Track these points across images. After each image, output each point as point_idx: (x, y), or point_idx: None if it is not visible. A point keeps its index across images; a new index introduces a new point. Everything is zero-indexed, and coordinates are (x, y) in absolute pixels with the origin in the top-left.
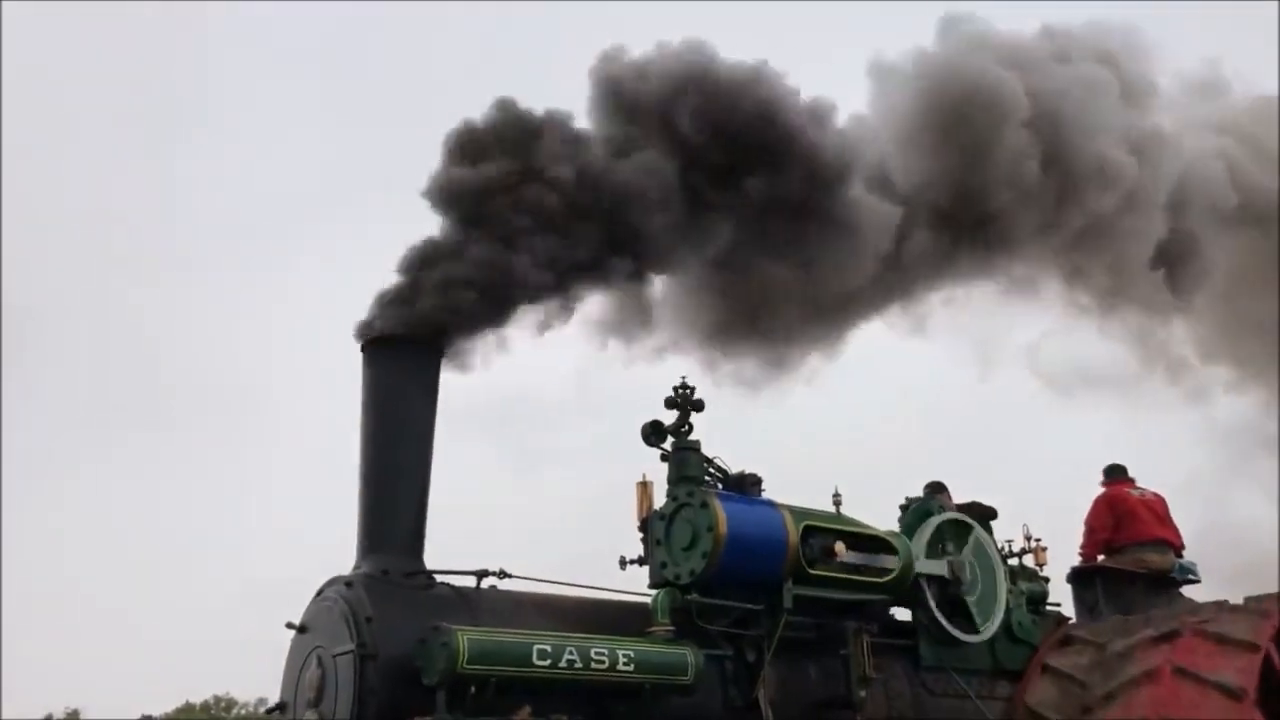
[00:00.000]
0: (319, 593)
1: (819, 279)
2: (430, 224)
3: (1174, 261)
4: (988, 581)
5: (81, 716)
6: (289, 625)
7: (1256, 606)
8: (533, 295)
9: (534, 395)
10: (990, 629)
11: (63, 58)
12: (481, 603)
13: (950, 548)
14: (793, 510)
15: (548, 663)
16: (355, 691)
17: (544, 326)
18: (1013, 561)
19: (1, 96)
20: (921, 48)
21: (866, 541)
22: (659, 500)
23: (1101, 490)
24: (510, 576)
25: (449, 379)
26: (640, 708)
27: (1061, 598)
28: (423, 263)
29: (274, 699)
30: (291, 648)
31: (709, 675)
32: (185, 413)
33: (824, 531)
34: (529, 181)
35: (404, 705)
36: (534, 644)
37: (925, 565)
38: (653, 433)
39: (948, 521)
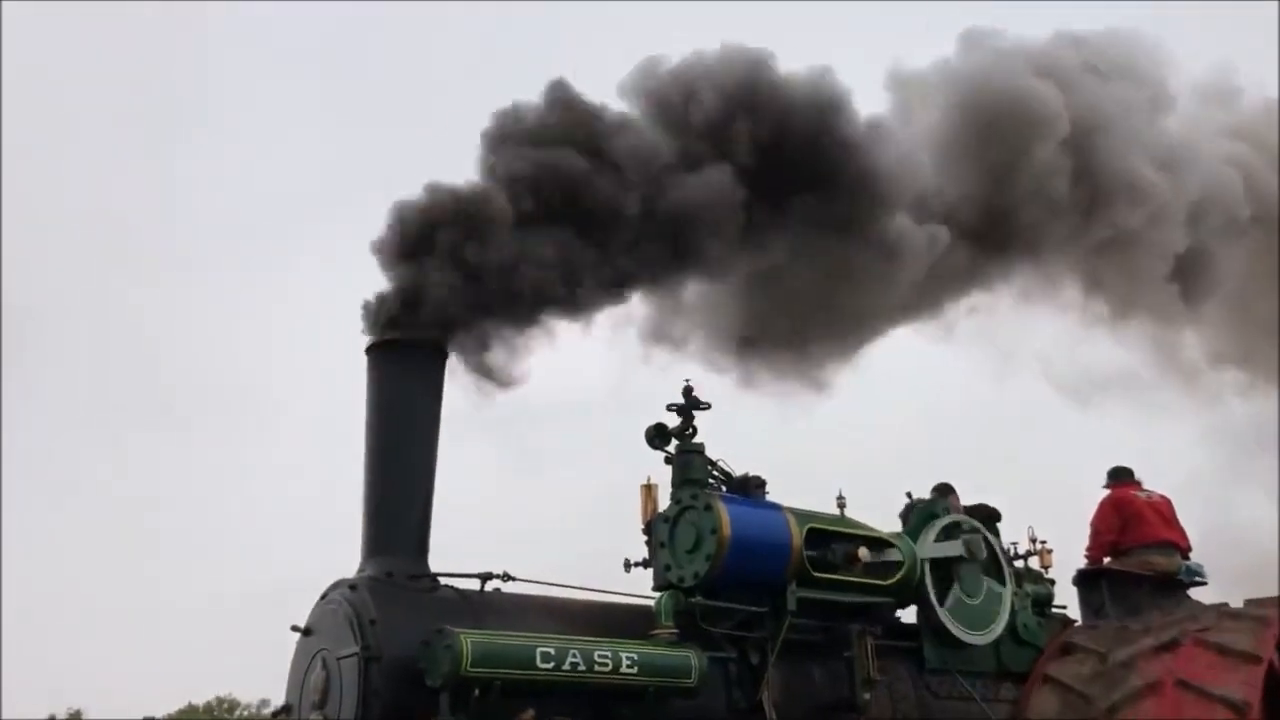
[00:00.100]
0: (324, 595)
1: (854, 295)
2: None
3: (1188, 273)
4: (994, 583)
5: (84, 717)
6: (294, 628)
7: (1257, 613)
8: (576, 299)
9: (537, 397)
10: (995, 631)
11: (63, 58)
12: (485, 605)
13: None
14: (796, 513)
15: (551, 665)
16: (360, 694)
17: (586, 327)
18: (1018, 563)
19: (1, 97)
20: (947, 59)
21: (872, 544)
22: (663, 503)
23: (1107, 492)
24: (514, 579)
25: (469, 385)
26: (644, 710)
27: (1067, 600)
28: (438, 258)
29: (277, 701)
30: (296, 650)
31: (713, 678)
32: (186, 412)
33: (829, 534)
34: (594, 182)
35: (408, 708)
36: (537, 646)
37: (942, 548)
38: (657, 435)
39: (953, 524)
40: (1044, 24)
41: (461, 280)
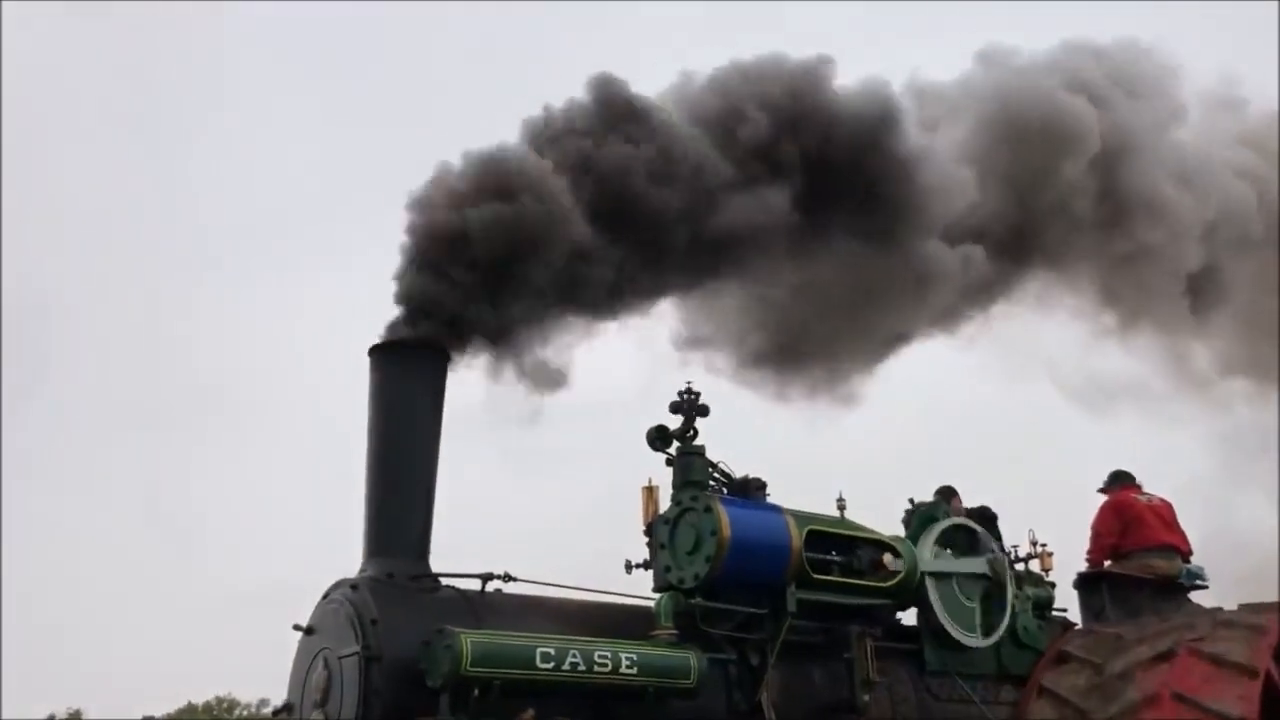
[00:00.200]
0: (325, 595)
1: (886, 312)
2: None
3: (1198, 287)
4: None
5: (83, 717)
6: (296, 627)
7: (1251, 621)
8: (615, 303)
9: (548, 399)
10: (996, 634)
11: (66, 58)
12: (486, 606)
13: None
14: (796, 514)
15: (551, 665)
16: (360, 693)
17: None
18: (1019, 566)
19: (1, 98)
20: (968, 73)
21: (871, 546)
22: (664, 505)
23: (1105, 496)
24: (515, 580)
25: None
26: (643, 711)
27: (1068, 602)
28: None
29: (276, 700)
30: (298, 649)
31: (712, 679)
32: (187, 412)
33: (828, 536)
34: (646, 191)
35: (409, 707)
36: (537, 647)
37: (966, 564)
38: (658, 437)
39: (954, 527)
40: (1044, 25)
41: (499, 281)
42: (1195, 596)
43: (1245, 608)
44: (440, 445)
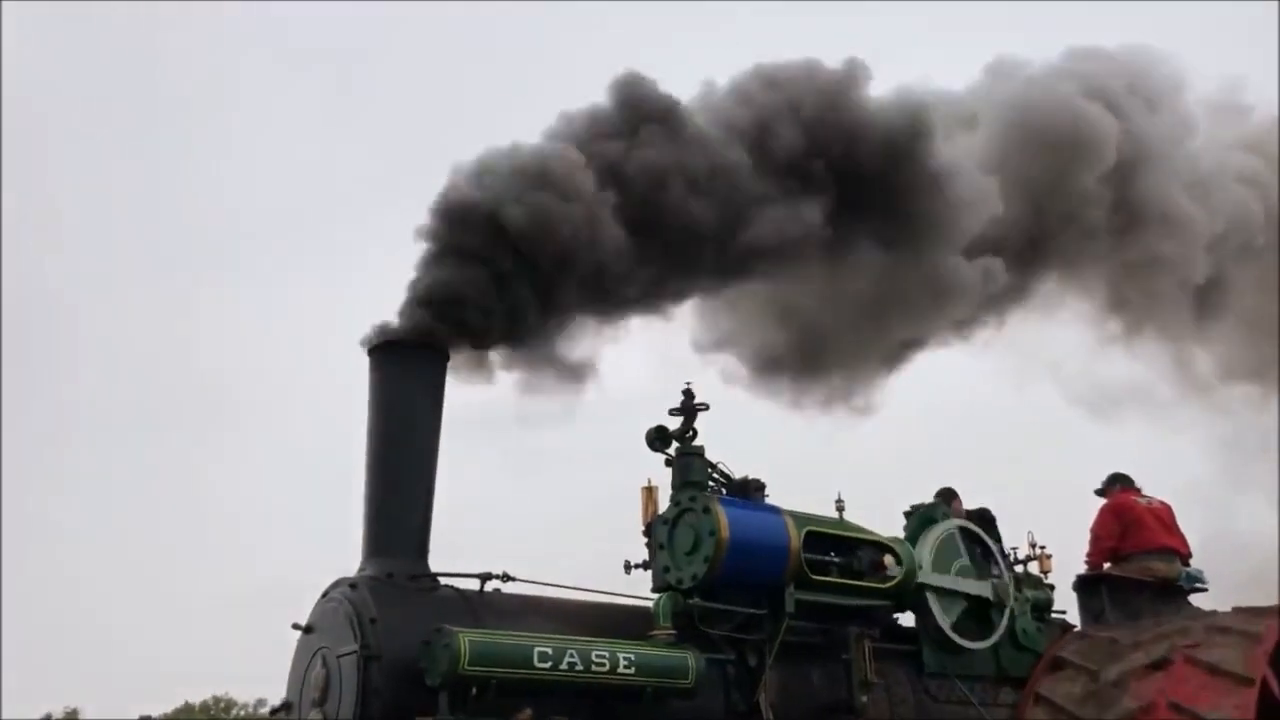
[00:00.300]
0: (325, 594)
1: (905, 322)
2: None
3: (1203, 295)
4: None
5: (80, 716)
6: (295, 626)
7: (1245, 627)
8: (650, 304)
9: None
10: (994, 636)
11: (65, 58)
12: (485, 605)
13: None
14: (795, 515)
15: (549, 665)
16: (359, 692)
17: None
18: (1018, 568)
19: (1, 98)
20: (978, 82)
21: (869, 548)
22: (664, 505)
23: (1104, 499)
24: (513, 580)
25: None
26: (641, 711)
27: (1067, 604)
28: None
29: (273, 700)
30: (297, 648)
31: (710, 679)
32: (186, 412)
33: (827, 537)
34: (677, 196)
35: (407, 706)
36: (535, 646)
37: (972, 586)
38: (658, 438)
39: (968, 534)
40: (1044, 26)
41: (529, 278)
42: (1195, 599)
43: (1240, 612)
44: (440, 445)
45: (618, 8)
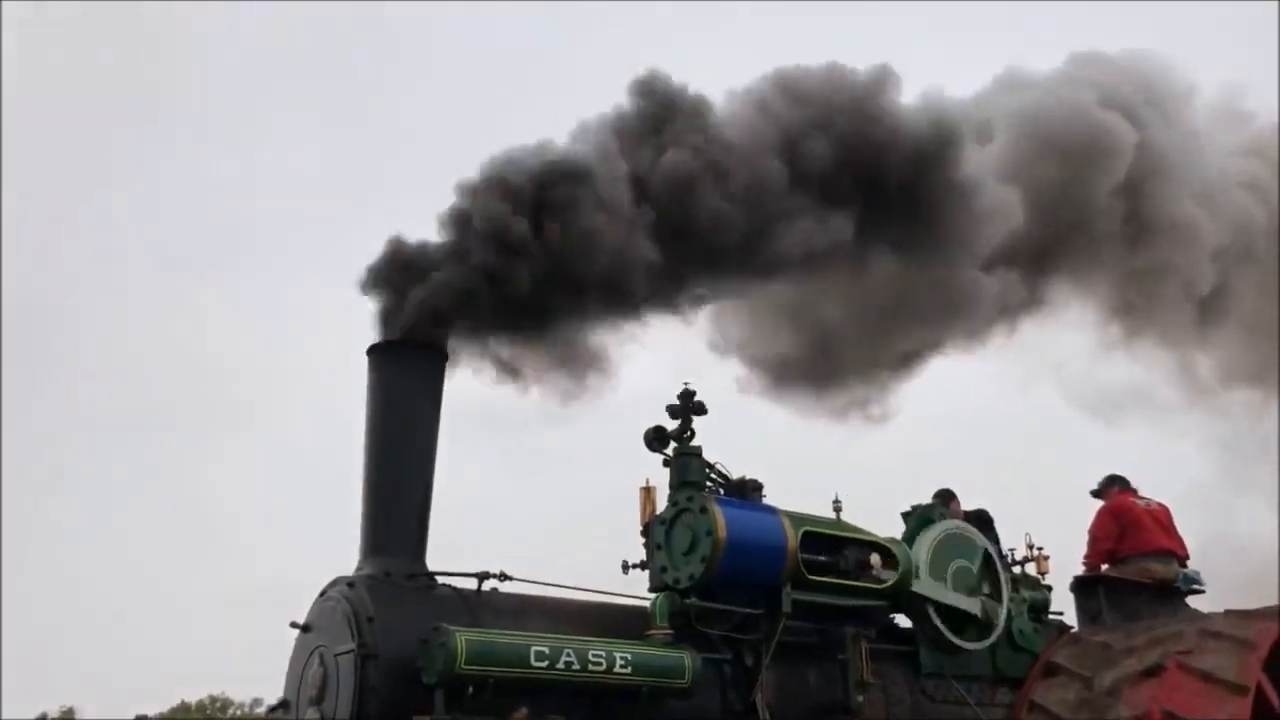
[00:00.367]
0: (322, 593)
1: (921, 330)
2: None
3: (1205, 301)
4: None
5: (76, 716)
6: (293, 624)
7: (1237, 633)
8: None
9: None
10: (991, 637)
11: (66, 58)
12: (482, 604)
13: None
14: (792, 516)
15: (545, 664)
16: (356, 690)
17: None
18: (1015, 569)
19: (1, 98)
20: (988, 92)
21: (866, 548)
22: (662, 505)
23: (1100, 500)
24: (510, 579)
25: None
26: (638, 710)
27: (1064, 605)
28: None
29: (270, 700)
30: (295, 646)
31: (707, 679)
32: (183, 413)
33: (824, 537)
34: (706, 201)
35: (404, 704)
36: (531, 645)
37: (962, 601)
38: (655, 438)
39: (952, 534)
40: (1044, 25)
41: (550, 274)
42: (1193, 600)
43: (1232, 615)
44: (438, 444)
45: (618, 8)
